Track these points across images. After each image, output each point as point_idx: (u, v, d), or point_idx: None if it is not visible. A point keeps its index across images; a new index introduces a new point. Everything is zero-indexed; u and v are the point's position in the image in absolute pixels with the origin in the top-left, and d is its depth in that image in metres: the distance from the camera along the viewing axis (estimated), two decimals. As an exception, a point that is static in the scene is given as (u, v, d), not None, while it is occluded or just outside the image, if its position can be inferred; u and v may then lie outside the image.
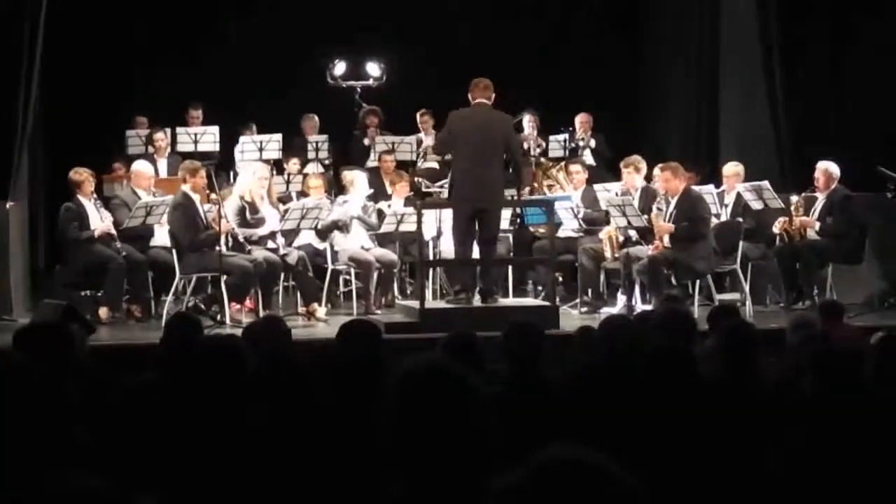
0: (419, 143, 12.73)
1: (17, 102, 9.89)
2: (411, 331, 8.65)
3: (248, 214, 9.97)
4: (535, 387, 4.51)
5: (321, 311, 9.84)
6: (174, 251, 9.61)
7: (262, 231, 10.04)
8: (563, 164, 11.79)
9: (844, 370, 4.21)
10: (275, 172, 11.63)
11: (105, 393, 3.76)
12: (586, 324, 6.31)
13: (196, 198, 9.74)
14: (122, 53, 13.29)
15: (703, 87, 12.94)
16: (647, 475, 1.84)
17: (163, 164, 11.85)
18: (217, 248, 9.49)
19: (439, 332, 5.61)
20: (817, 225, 10.41)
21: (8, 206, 10.12)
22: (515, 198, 10.45)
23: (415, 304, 9.37)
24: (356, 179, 10.78)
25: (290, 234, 10.37)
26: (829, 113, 11.48)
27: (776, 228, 10.52)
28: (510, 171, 10.03)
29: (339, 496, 3.28)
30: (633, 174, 10.51)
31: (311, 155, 12.53)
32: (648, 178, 10.59)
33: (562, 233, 10.77)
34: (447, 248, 10.25)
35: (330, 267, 10.39)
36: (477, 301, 9.28)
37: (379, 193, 11.27)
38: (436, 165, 12.30)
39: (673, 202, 9.86)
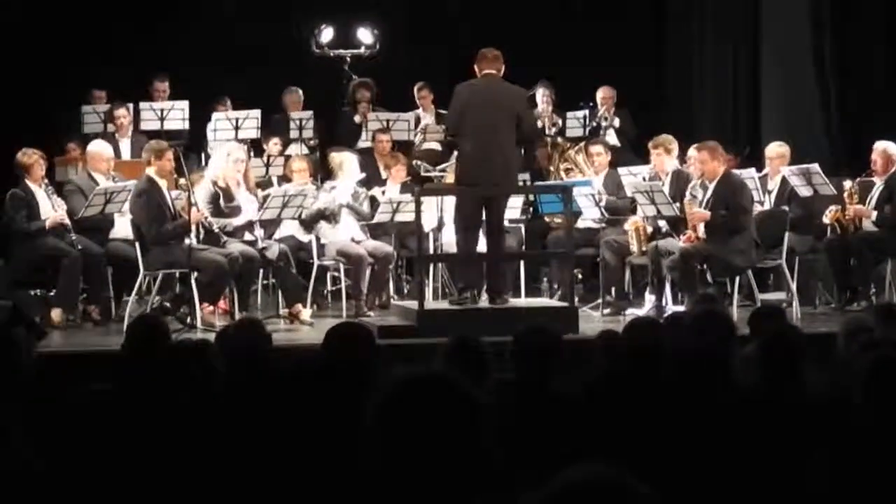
0: (417, 120, 12.73)
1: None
2: (408, 335, 8.66)
3: (222, 202, 9.97)
4: (549, 400, 4.51)
5: (306, 312, 9.84)
6: (137, 244, 9.60)
7: (237, 221, 10.04)
8: (582, 144, 11.78)
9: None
10: (252, 154, 11.64)
11: (53, 408, 3.76)
12: (609, 327, 6.33)
13: (162, 183, 9.74)
14: (75, 17, 13.24)
15: (740, 56, 12.90)
16: (673, 497, 1.84)
17: (124, 144, 11.85)
18: (186, 240, 9.49)
19: (440, 337, 5.65)
20: (874, 214, 10.39)
21: (-56, 193, 10.15)
22: (528, 183, 10.45)
23: (412, 304, 9.37)
24: (345, 162, 10.77)
25: (270, 225, 10.37)
26: (889, 86, 11.46)
27: (827, 218, 10.51)
28: (522, 151, 10.02)
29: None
30: (664, 156, 10.50)
31: (293, 134, 12.53)
32: (681, 160, 10.57)
33: (581, 223, 10.78)
34: (449, 241, 10.25)
35: (316, 262, 10.39)
36: (484, 301, 9.28)
37: (372, 178, 11.27)
38: (437, 146, 12.30)
39: (710, 188, 9.84)
